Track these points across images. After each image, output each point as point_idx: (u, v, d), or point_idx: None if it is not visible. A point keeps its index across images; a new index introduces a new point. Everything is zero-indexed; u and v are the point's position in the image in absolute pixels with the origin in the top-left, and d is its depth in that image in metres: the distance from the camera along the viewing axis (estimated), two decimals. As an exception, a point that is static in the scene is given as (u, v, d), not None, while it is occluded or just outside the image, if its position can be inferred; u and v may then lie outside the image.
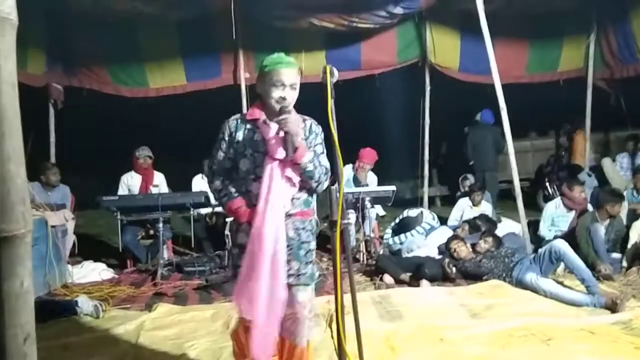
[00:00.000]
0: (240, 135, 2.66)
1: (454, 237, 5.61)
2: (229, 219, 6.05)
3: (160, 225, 5.75)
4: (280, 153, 2.49)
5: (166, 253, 6.20)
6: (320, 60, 7.16)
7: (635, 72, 7.38)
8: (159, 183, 6.52)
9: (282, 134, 2.51)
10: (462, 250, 5.33)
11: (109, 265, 6.14)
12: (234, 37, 6.23)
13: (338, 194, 2.10)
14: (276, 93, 2.56)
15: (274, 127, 2.56)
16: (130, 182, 6.55)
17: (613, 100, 8.12)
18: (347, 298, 2.52)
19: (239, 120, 2.70)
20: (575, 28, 7.73)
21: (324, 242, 6.20)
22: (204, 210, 6.43)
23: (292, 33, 7.14)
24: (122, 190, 6.52)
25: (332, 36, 7.14)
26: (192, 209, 5.82)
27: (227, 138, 2.69)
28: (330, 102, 2.17)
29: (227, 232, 5.92)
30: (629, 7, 7.16)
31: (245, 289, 2.45)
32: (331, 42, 7.30)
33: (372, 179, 6.83)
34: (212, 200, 6.18)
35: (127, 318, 4.42)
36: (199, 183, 6.86)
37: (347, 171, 6.72)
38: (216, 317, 4.38)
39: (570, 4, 7.05)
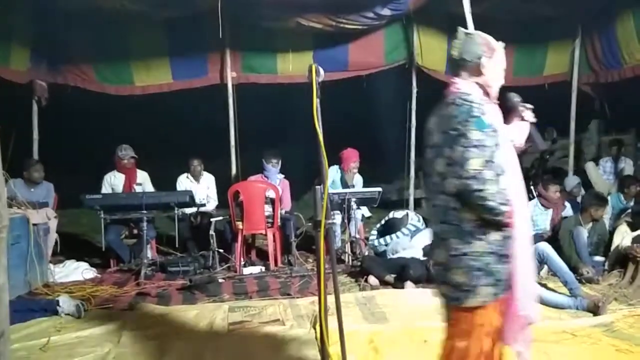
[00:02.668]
0: (496, 123, 2.21)
1: None
2: (214, 219, 6.06)
3: (144, 224, 5.71)
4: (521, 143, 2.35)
5: (150, 253, 6.16)
6: (308, 61, 7.13)
7: (619, 77, 7.46)
8: (143, 181, 6.47)
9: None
10: None
11: (91, 265, 6.08)
12: (221, 36, 6.20)
13: (322, 195, 2.09)
14: (503, 75, 2.37)
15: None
16: (114, 181, 6.49)
17: (597, 104, 8.19)
18: (331, 299, 2.52)
19: (484, 103, 2.23)
20: (561, 33, 7.79)
21: (308, 243, 6.21)
22: (188, 210, 6.39)
23: (279, 33, 7.13)
24: (106, 190, 6.46)
25: (320, 36, 7.14)
26: (176, 209, 5.78)
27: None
28: (316, 102, 2.16)
29: (211, 232, 5.89)
30: (614, 13, 7.23)
31: (531, 295, 2.32)
32: (319, 43, 7.30)
33: (358, 180, 6.83)
34: (197, 200, 6.15)
35: (109, 318, 4.38)
36: (184, 182, 6.83)
37: (332, 172, 6.71)
38: (199, 317, 4.36)
39: (555, 9, 7.10)
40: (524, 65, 7.95)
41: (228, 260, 6.03)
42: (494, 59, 2.35)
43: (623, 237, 5.37)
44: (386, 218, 6.85)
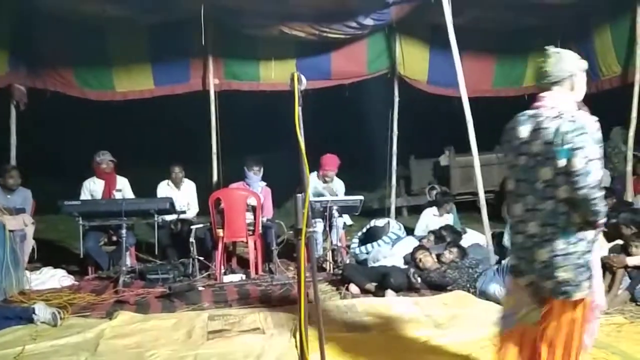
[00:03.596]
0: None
1: (420, 247, 5.65)
2: (194, 227, 6.02)
3: (124, 231, 5.63)
4: None
5: (129, 260, 6.08)
6: (291, 68, 7.15)
7: (597, 89, 7.58)
8: (123, 188, 6.39)
9: None
10: (428, 260, 5.37)
11: (69, 272, 5.98)
12: (203, 42, 6.17)
13: (303, 202, 2.09)
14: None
15: None
16: (93, 187, 6.41)
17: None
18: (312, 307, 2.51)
19: (594, 119, 2.55)
20: (540, 45, 7.84)
21: (290, 251, 6.19)
22: (168, 217, 6.33)
23: (262, 40, 7.13)
24: (85, 196, 6.36)
25: (303, 45, 7.16)
26: (156, 216, 5.72)
27: None
28: (298, 110, 2.16)
29: (191, 239, 5.85)
30: (592, 26, 7.37)
31: (600, 286, 2.74)
32: (302, 51, 7.32)
33: (339, 185, 6.81)
34: (178, 207, 6.11)
35: (87, 326, 4.32)
36: (165, 189, 6.76)
37: (313, 179, 6.69)
38: (178, 326, 4.33)
39: (535, 21, 7.21)
40: (504, 76, 8.07)
41: (208, 268, 5.98)
42: (581, 75, 2.65)
43: (600, 247, 5.43)
44: (367, 226, 6.87)
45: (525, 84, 8.19)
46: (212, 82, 7.20)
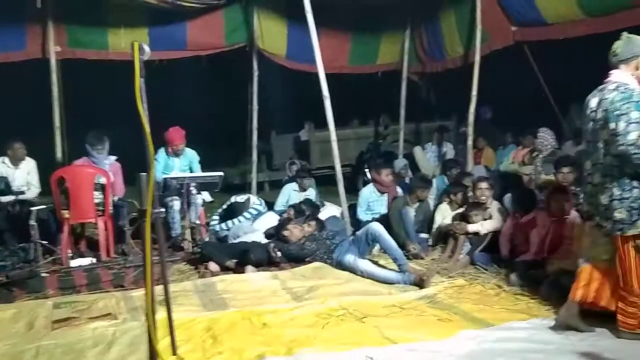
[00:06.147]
0: None
1: (289, 220, 5.64)
2: (34, 208, 5.51)
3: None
4: None
5: (-43, 248, 5.43)
6: (143, 38, 6.76)
7: (443, 68, 8.11)
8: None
9: None
10: (296, 232, 5.37)
11: None
12: (39, 5, 5.58)
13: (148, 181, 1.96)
14: None
15: None
16: None
17: (424, 93, 8.84)
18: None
19: None
20: (393, 24, 8.25)
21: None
22: (4, 198, 5.72)
23: (110, 6, 6.65)
24: None
25: (156, 13, 6.78)
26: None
27: None
28: (140, 82, 2.01)
29: (32, 222, 5.35)
30: (439, 8, 7.82)
31: None
32: (155, 20, 6.94)
33: (191, 155, 6.53)
34: (15, 187, 5.56)
35: None
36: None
37: (162, 155, 6.36)
38: (18, 317, 3.98)
39: (387, 0, 7.48)
40: (360, 53, 8.30)
41: (53, 252, 5.52)
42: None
43: (444, 215, 5.86)
44: (228, 202, 6.77)
45: (379, 62, 8.52)
46: (53, 50, 6.58)
